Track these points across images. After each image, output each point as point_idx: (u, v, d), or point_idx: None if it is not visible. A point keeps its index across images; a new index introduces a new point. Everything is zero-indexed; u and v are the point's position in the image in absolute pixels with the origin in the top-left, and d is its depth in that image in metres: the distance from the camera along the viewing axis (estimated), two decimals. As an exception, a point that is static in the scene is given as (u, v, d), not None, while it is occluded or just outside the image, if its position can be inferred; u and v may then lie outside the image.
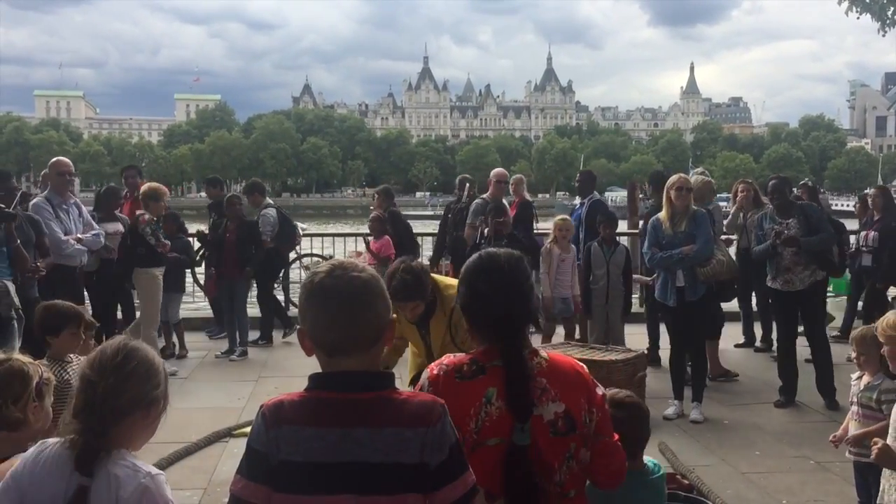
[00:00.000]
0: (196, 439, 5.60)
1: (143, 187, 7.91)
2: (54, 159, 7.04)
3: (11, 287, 5.58)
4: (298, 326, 1.81)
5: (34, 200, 6.68)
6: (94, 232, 6.73)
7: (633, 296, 8.51)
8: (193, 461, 5.34)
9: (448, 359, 2.14)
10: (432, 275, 4.27)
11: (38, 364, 2.47)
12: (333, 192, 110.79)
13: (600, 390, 2.16)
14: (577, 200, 9.11)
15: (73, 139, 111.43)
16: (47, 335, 3.93)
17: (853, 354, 4.02)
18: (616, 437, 2.20)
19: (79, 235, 6.55)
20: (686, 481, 4.16)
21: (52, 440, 1.90)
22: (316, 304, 1.74)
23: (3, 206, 5.63)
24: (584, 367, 2.18)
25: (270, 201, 9.49)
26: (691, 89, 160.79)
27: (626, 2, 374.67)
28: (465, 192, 9.18)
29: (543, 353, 2.13)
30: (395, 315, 1.98)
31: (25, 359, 2.39)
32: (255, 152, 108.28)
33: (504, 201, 8.60)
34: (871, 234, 8.62)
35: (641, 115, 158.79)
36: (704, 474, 4.90)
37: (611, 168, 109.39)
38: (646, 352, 7.08)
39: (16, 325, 5.44)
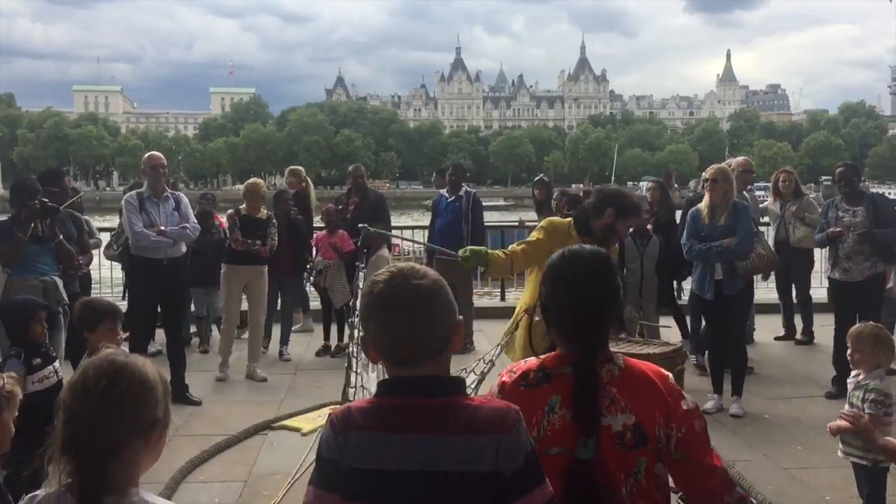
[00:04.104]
0: (236, 432, 5.67)
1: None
2: (147, 154, 7.04)
3: (59, 282, 5.70)
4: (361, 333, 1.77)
5: (125, 195, 6.76)
6: (183, 224, 6.65)
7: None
8: (234, 454, 5.41)
9: (519, 365, 2.07)
10: None
11: (1, 375, 2.46)
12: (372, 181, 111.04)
13: (686, 404, 1.99)
14: (446, 193, 8.88)
15: (112, 133, 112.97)
16: (85, 331, 4.03)
17: (849, 351, 3.97)
18: (714, 458, 2.01)
19: (162, 227, 6.51)
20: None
21: (40, 492, 1.64)
22: (376, 314, 1.69)
23: (46, 199, 5.73)
24: (669, 376, 2.02)
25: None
26: (728, 77, 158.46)
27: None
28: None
29: (619, 360, 2.00)
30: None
31: None
32: (289, 145, 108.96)
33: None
34: None
35: (677, 104, 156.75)
36: (746, 470, 4.85)
37: (645, 157, 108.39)
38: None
39: (62, 319, 5.55)
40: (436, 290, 1.69)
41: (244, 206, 7.50)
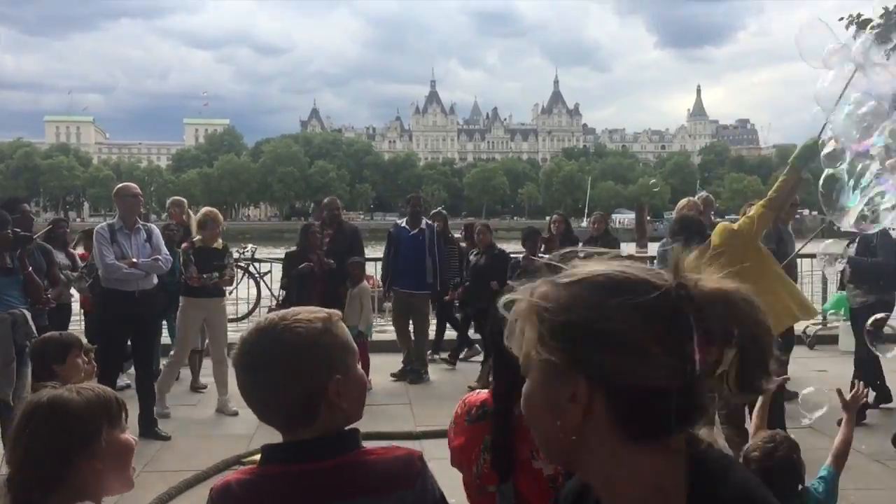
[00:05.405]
0: (205, 467, 5.58)
1: (199, 212, 7.60)
2: (122, 184, 6.92)
3: (28, 315, 5.61)
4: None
5: (97, 227, 6.68)
6: (155, 256, 6.56)
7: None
8: (203, 490, 5.25)
9: (473, 396, 2.05)
10: None
11: None
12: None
13: None
14: (403, 223, 8.93)
15: (83, 164, 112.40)
16: (54, 364, 3.97)
17: None
18: None
19: (133, 260, 6.43)
20: None
21: None
22: (234, 365, 1.53)
23: (18, 229, 5.67)
24: None
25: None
26: (698, 111, 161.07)
27: (632, 24, 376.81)
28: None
29: None
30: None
31: None
32: (263, 176, 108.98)
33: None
34: None
35: (649, 138, 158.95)
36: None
37: (618, 190, 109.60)
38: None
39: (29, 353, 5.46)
40: (300, 344, 1.46)
41: (199, 237, 7.28)
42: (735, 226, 5.15)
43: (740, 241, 4.88)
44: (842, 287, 7.49)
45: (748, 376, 0.97)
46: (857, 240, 6.80)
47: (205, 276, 7.07)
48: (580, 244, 9.19)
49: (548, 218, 9.92)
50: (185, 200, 9.06)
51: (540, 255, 7.94)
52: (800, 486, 2.87)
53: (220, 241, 7.39)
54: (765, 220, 5.00)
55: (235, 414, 7.05)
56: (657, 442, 0.96)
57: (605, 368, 0.94)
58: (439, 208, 10.71)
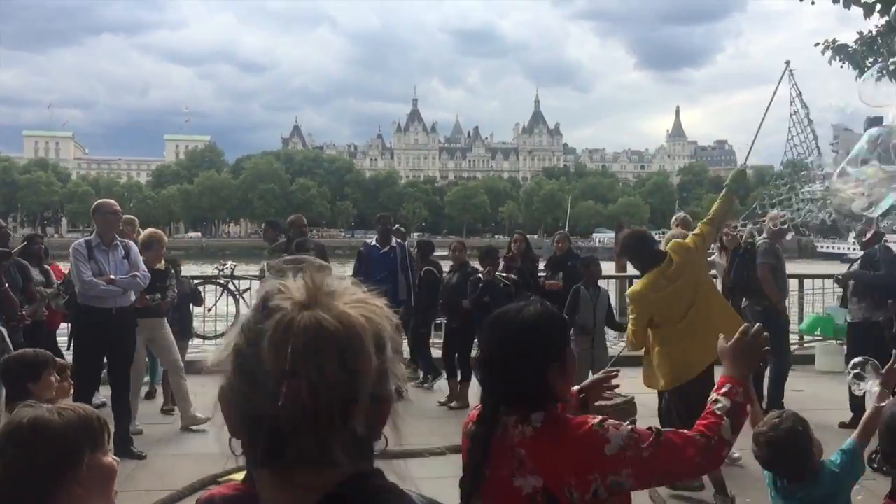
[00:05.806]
0: (181, 487, 5.51)
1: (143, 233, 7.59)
2: (101, 200, 6.87)
3: (4, 332, 5.56)
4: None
5: (74, 244, 6.59)
6: (133, 273, 6.50)
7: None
8: (179, 509, 5.26)
9: (476, 411, 2.09)
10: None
11: None
12: (321, 231, 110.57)
13: (611, 448, 1.84)
14: (374, 242, 9.21)
15: (62, 179, 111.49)
16: (29, 383, 3.93)
17: None
18: (680, 450, 1.91)
19: (111, 276, 6.37)
20: None
21: None
22: None
23: (-2, 246, 5.63)
24: (591, 425, 1.89)
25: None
26: (677, 132, 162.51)
27: (613, 46, 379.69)
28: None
29: (536, 421, 1.90)
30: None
31: None
32: (244, 193, 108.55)
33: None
34: None
35: (628, 158, 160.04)
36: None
37: (598, 209, 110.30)
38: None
39: (3, 371, 5.40)
40: None
41: (143, 258, 7.10)
42: (689, 242, 5.37)
43: (694, 258, 5.24)
44: (844, 303, 7.67)
45: (317, 438, 0.88)
46: (859, 259, 7.11)
47: (148, 297, 7.04)
48: (541, 264, 9.24)
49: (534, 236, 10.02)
50: (136, 219, 8.87)
51: (499, 273, 8.02)
52: (816, 463, 2.85)
53: (162, 262, 7.43)
54: (710, 237, 5.62)
55: (208, 419, 6.98)
56: (275, 473, 0.92)
57: (232, 387, 0.91)
58: (397, 226, 10.69)
